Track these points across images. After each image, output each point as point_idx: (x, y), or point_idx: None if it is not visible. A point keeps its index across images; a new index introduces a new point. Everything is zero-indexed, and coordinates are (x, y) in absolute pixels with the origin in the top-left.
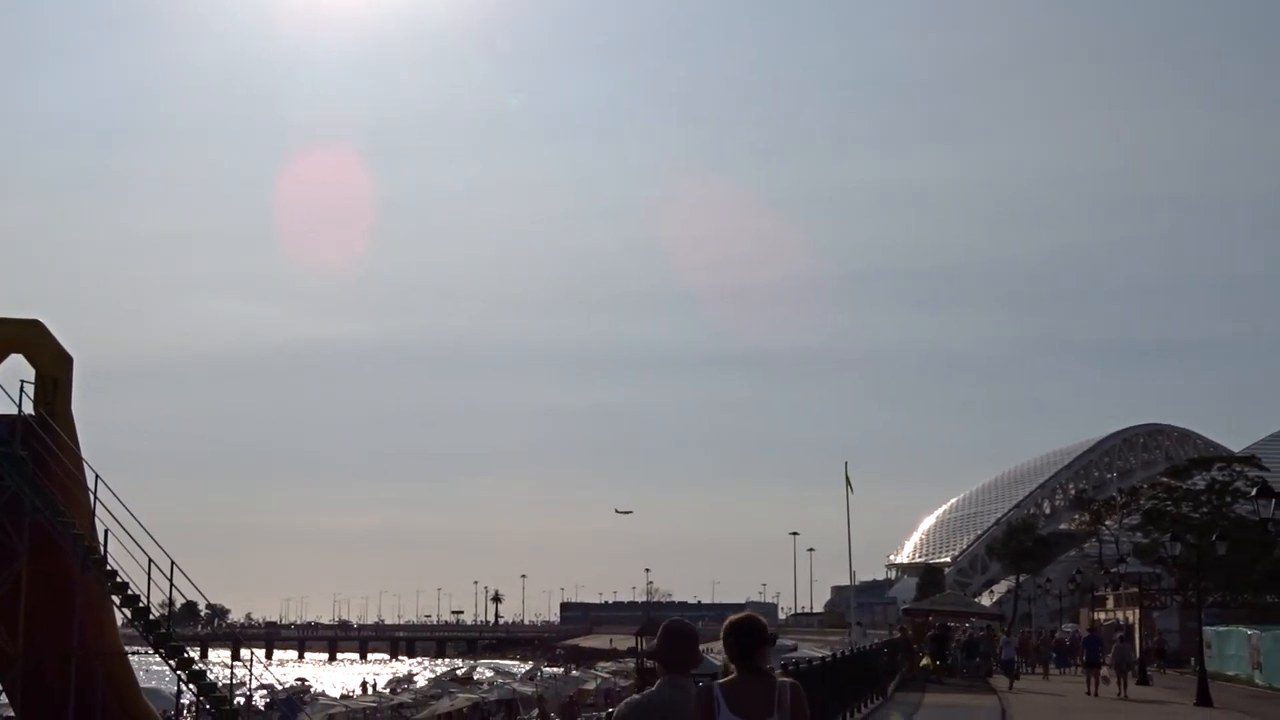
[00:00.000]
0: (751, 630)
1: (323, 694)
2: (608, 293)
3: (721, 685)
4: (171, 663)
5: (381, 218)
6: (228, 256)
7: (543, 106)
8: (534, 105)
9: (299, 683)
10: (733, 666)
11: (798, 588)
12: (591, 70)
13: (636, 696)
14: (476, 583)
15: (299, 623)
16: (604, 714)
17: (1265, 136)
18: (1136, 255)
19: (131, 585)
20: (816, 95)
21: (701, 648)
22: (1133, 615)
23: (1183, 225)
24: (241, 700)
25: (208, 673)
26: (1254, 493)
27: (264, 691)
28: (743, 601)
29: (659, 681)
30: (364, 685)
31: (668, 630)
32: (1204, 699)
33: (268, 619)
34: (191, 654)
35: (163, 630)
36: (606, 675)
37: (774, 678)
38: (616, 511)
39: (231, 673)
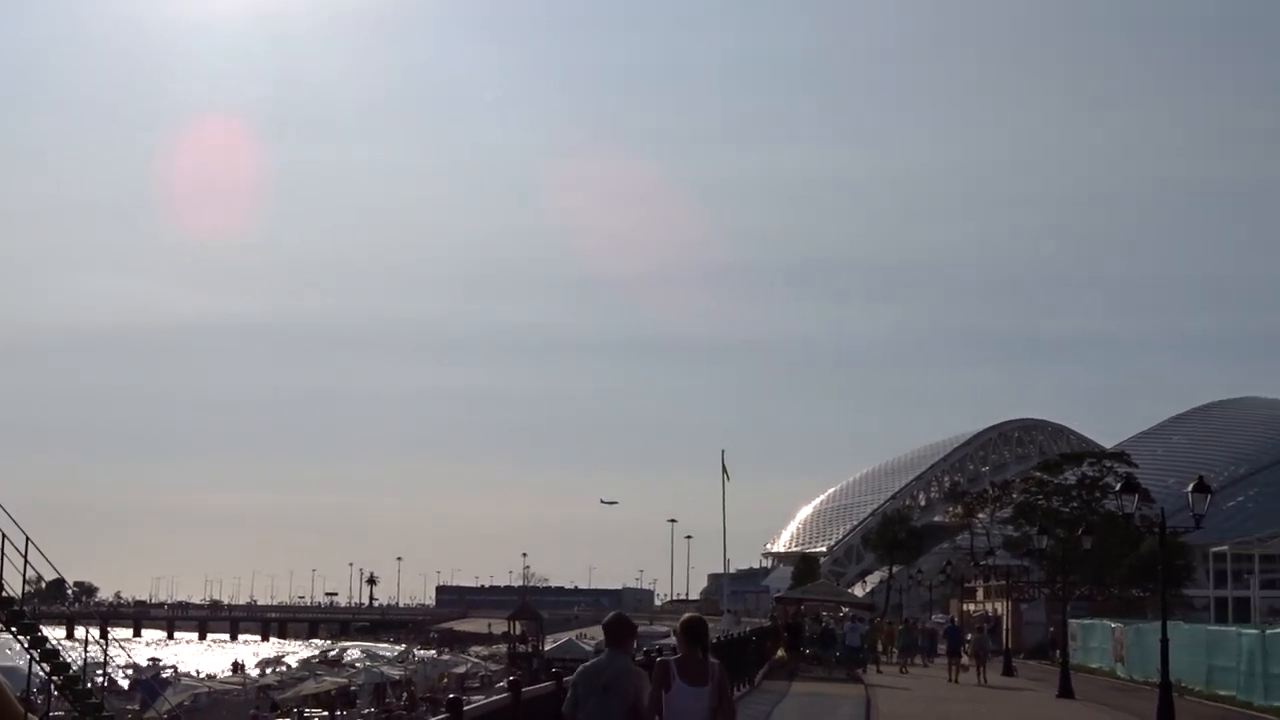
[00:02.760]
0: (698, 627)
1: (187, 674)
2: (493, 274)
3: (675, 660)
4: (23, 640)
5: (269, 194)
6: (102, 229)
7: (439, 84)
8: (429, 82)
9: (152, 663)
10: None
11: (674, 575)
12: (487, 49)
13: (588, 662)
14: (351, 565)
15: (170, 602)
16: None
17: (1147, 133)
18: (1017, 252)
19: None
20: (709, 82)
21: (577, 633)
22: (1002, 607)
23: (1064, 222)
24: (102, 680)
25: (63, 652)
26: (1119, 488)
27: (128, 671)
28: (619, 588)
29: (606, 652)
30: (234, 666)
31: (610, 621)
32: (1066, 690)
33: (137, 598)
34: (46, 633)
35: (15, 608)
36: (478, 659)
37: (709, 658)
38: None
39: (85, 651)
